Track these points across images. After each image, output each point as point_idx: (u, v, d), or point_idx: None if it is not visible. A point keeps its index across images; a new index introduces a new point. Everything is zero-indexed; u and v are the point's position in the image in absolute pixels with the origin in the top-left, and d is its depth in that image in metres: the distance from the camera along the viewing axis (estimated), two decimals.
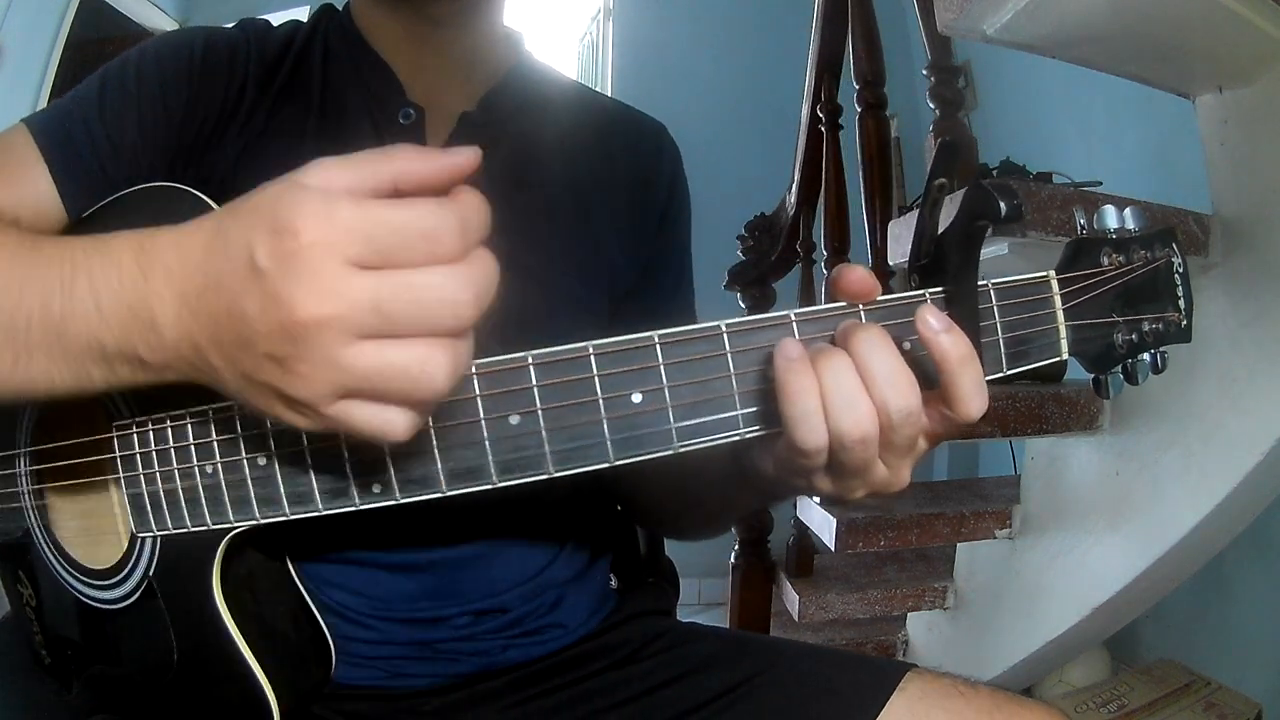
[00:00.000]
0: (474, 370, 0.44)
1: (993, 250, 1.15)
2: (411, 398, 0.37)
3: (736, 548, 1.81)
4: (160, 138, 0.62)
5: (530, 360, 0.44)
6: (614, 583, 0.79)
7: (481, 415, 0.44)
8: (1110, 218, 0.49)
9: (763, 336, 0.45)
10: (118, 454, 0.53)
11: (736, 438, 0.45)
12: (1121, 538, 1.35)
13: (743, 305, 1.98)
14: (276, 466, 0.48)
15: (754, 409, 0.45)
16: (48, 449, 0.58)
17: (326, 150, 0.65)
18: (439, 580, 0.65)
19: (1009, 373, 0.47)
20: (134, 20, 2.97)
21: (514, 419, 0.44)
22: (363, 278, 0.35)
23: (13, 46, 2.42)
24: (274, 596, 0.58)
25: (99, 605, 0.58)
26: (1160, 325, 0.49)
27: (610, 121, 0.77)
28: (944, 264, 0.46)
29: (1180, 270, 0.50)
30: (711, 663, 0.67)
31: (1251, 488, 1.19)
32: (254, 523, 0.50)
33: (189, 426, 0.50)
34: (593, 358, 0.44)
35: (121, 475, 0.53)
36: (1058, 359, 0.48)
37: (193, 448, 0.50)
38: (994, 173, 1.59)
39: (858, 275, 0.45)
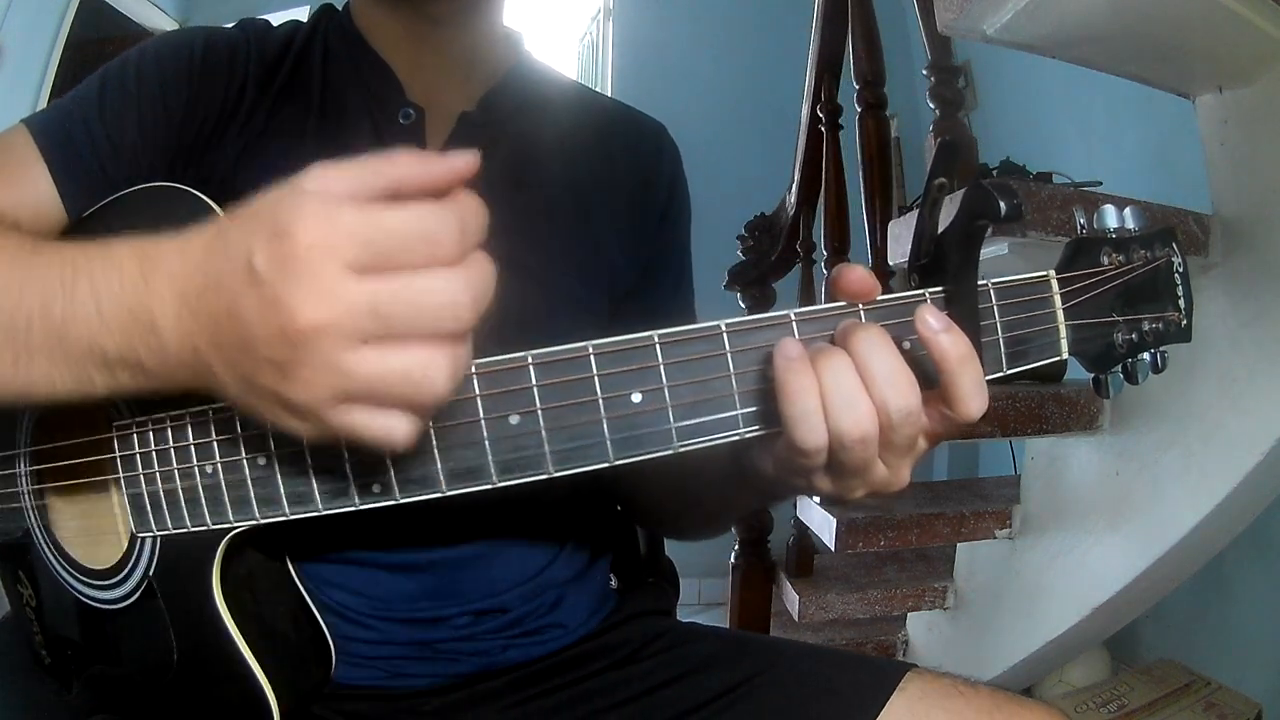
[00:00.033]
0: (474, 370, 0.44)
1: (993, 250, 1.15)
2: (412, 402, 0.37)
3: (736, 548, 1.81)
4: (160, 138, 0.62)
5: (530, 360, 0.44)
6: (614, 583, 0.79)
7: (481, 415, 0.44)
8: (1110, 217, 0.49)
9: (762, 336, 0.45)
10: (117, 454, 0.53)
11: (736, 437, 0.45)
12: (1121, 538, 1.35)
13: (743, 305, 1.98)
14: (276, 466, 0.48)
15: (754, 409, 0.45)
16: (48, 449, 0.58)
17: (326, 150, 0.65)
18: (439, 580, 0.65)
19: (1009, 372, 0.47)
20: (134, 20, 2.97)
21: (514, 419, 0.44)
22: (362, 282, 0.35)
23: (13, 46, 2.42)
24: (274, 596, 0.58)
25: (99, 605, 0.58)
26: (1160, 325, 0.49)
27: (610, 122, 0.77)
28: (944, 264, 0.46)
29: (1180, 270, 0.50)
30: (711, 663, 0.67)
31: (1251, 488, 1.19)
32: (254, 523, 0.50)
33: (189, 426, 0.50)
34: (592, 357, 0.44)
35: (121, 475, 0.53)
36: (1058, 359, 0.48)
37: (193, 448, 0.50)
38: (994, 173, 1.59)
39: (857, 275, 0.45)
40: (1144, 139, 1.95)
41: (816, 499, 1.18)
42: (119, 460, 0.53)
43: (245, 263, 0.36)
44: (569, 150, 0.72)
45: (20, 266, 0.44)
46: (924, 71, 1.56)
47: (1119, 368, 0.49)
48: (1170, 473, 1.28)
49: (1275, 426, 1.14)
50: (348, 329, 0.35)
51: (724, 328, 0.44)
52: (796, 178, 1.90)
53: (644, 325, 0.45)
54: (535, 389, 0.44)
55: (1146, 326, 0.49)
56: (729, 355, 0.44)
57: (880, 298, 0.45)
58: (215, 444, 0.49)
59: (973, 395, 0.43)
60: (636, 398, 0.44)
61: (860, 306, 0.45)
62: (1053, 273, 0.48)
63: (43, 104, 2.54)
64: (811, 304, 0.46)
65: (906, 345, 0.44)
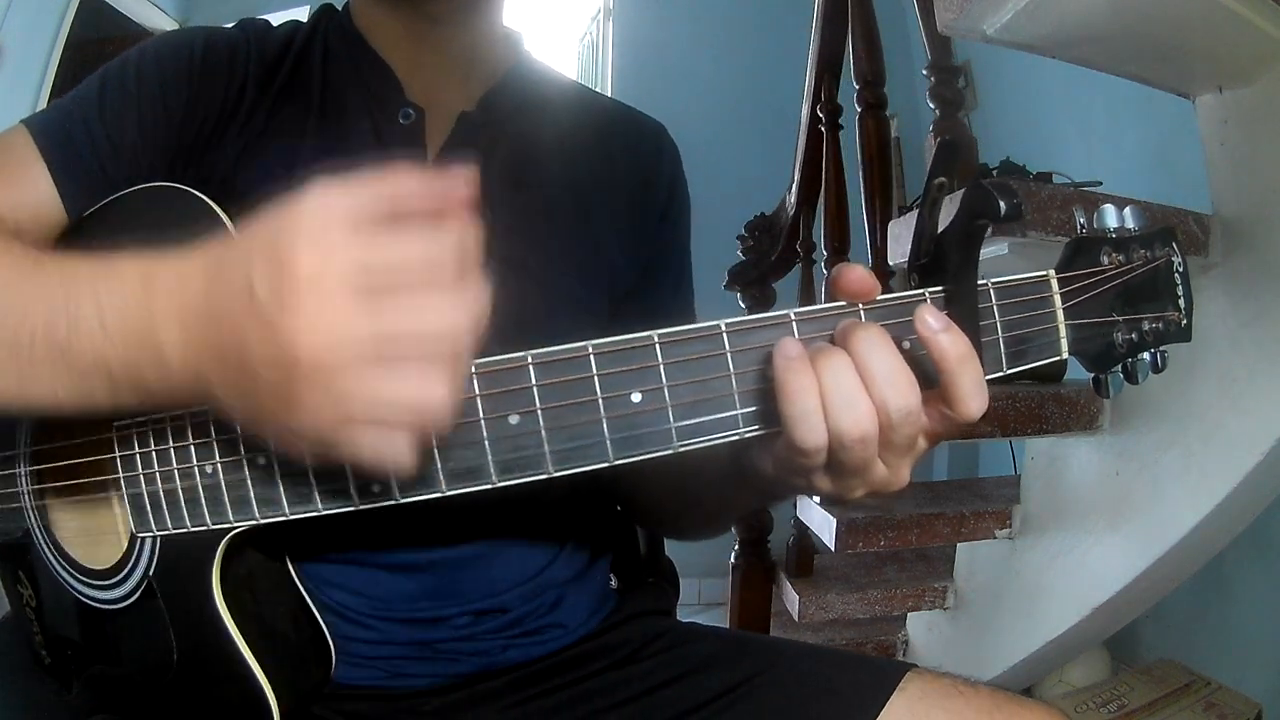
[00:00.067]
0: (473, 370, 0.44)
1: (993, 250, 1.15)
2: (413, 424, 0.38)
3: (736, 548, 1.81)
4: (160, 138, 0.62)
5: (530, 360, 0.44)
6: (614, 583, 0.79)
7: (481, 415, 0.44)
8: (1110, 217, 0.49)
9: (762, 336, 0.45)
10: (117, 454, 0.53)
11: (736, 437, 0.45)
12: (1121, 538, 1.35)
13: (743, 305, 1.98)
14: (276, 466, 0.48)
15: (753, 408, 0.45)
16: (48, 449, 0.58)
17: (327, 150, 0.66)
18: (439, 580, 0.65)
19: (1009, 372, 0.47)
20: (134, 20, 2.97)
21: (513, 419, 0.44)
22: (361, 311, 0.36)
23: (13, 46, 2.42)
24: (274, 596, 0.58)
25: (99, 605, 0.58)
26: (1160, 324, 0.49)
27: (610, 122, 0.77)
28: (944, 263, 0.46)
29: (1180, 269, 0.50)
30: (711, 663, 0.67)
31: (1251, 488, 1.19)
32: (254, 523, 0.50)
33: (189, 427, 0.50)
34: (592, 357, 0.44)
35: (121, 475, 0.53)
36: (1057, 358, 0.48)
37: (192, 448, 0.50)
38: (994, 173, 1.59)
39: (857, 275, 0.45)
40: (1144, 139, 1.95)
41: (816, 499, 1.18)
42: (119, 460, 0.53)
43: (246, 290, 0.37)
44: (569, 150, 0.72)
45: (23, 281, 0.45)
46: (924, 71, 1.56)
47: (1119, 367, 0.49)
48: (1170, 473, 1.28)
49: (1275, 426, 1.14)
50: (348, 357, 0.36)
51: (724, 327, 0.44)
52: (796, 178, 1.90)
53: (644, 325, 0.45)
54: (535, 389, 0.44)
55: (1146, 326, 0.49)
56: (729, 355, 0.44)
57: (880, 297, 0.45)
58: (215, 444, 0.49)
59: (973, 395, 0.43)
60: (636, 397, 0.44)
61: (860, 306, 0.45)
62: (1053, 272, 0.48)
63: (43, 104, 2.54)
64: (811, 304, 0.46)
65: (906, 345, 0.44)
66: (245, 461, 0.49)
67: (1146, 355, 0.49)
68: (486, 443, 0.45)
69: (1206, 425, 1.23)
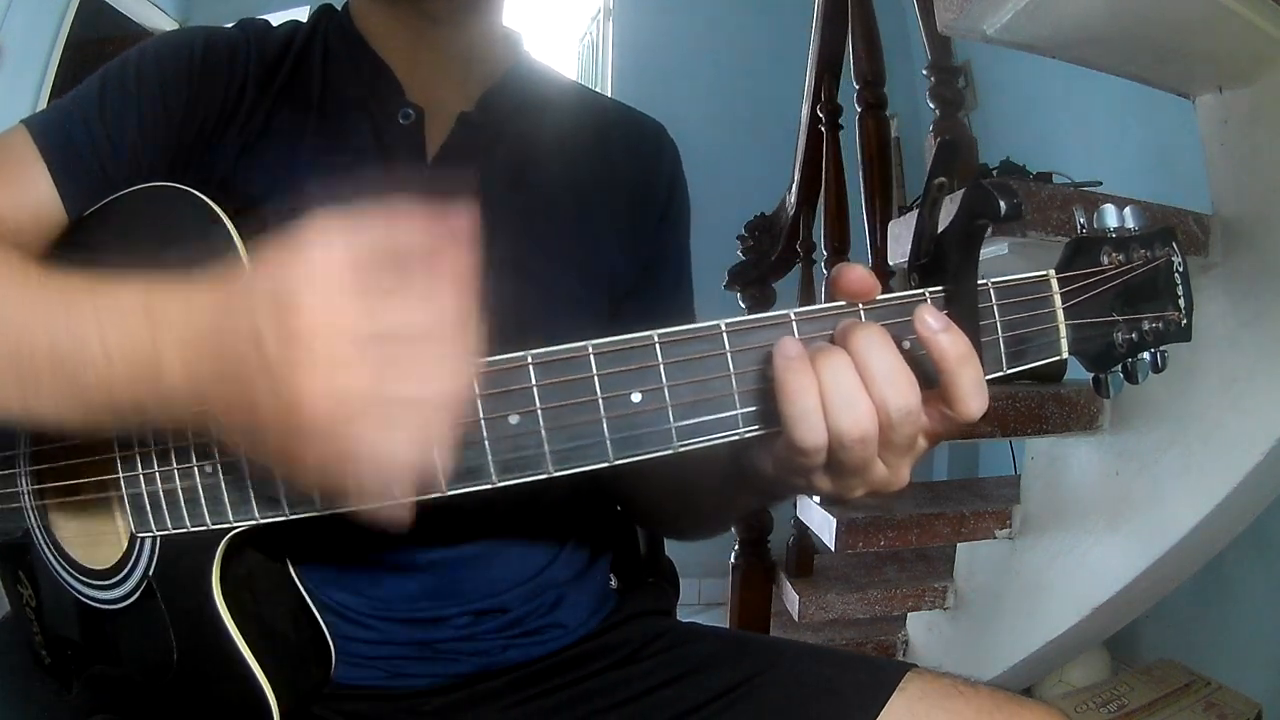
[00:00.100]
0: (473, 370, 0.44)
1: (993, 250, 1.15)
2: (411, 472, 0.40)
3: (736, 548, 1.81)
4: (160, 137, 0.62)
5: (529, 360, 0.44)
6: (614, 583, 0.79)
7: (481, 415, 0.44)
8: (1110, 217, 0.49)
9: (762, 336, 0.45)
10: (117, 454, 0.53)
11: (736, 437, 0.45)
12: (1121, 538, 1.35)
13: (743, 305, 1.98)
14: None
15: (753, 408, 0.45)
16: (48, 449, 0.58)
17: (326, 150, 0.66)
18: (439, 580, 0.65)
19: (1009, 372, 0.47)
20: (134, 20, 2.97)
21: (513, 418, 0.44)
22: (366, 368, 0.38)
23: (13, 46, 2.42)
24: (274, 596, 0.58)
25: (98, 605, 0.58)
26: (1160, 324, 0.49)
27: (610, 122, 0.77)
28: (944, 263, 0.46)
29: (1180, 269, 0.50)
30: (711, 663, 0.67)
31: (1251, 488, 1.19)
32: (253, 523, 0.50)
33: (189, 427, 0.50)
34: (592, 357, 0.44)
35: (121, 475, 0.53)
36: (1057, 358, 0.48)
37: (192, 448, 0.50)
38: (994, 173, 1.59)
39: (857, 274, 0.45)
40: (1144, 139, 1.95)
41: (816, 499, 1.18)
42: (119, 460, 0.53)
43: (253, 340, 0.38)
44: (568, 150, 0.72)
45: (26, 302, 0.45)
46: (924, 71, 1.56)
47: (1119, 367, 0.49)
48: (1170, 473, 1.28)
49: (1275, 426, 1.14)
50: (351, 411, 0.38)
51: (724, 327, 0.44)
52: (796, 178, 1.90)
53: (643, 325, 0.45)
54: (535, 389, 0.44)
55: (1146, 326, 0.49)
56: (729, 355, 0.44)
57: (880, 297, 0.45)
58: (215, 444, 0.49)
59: (972, 395, 0.43)
60: (636, 397, 0.44)
61: (860, 306, 0.45)
62: (1053, 272, 0.48)
63: (43, 104, 2.54)
64: (811, 304, 0.46)
65: (906, 345, 0.44)
66: (245, 461, 0.49)
67: (1146, 355, 0.49)
68: (486, 443, 0.45)
69: (1206, 425, 1.23)
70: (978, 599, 1.62)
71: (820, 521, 1.51)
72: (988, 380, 0.45)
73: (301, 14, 0.73)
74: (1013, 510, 1.53)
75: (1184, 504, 1.25)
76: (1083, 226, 0.49)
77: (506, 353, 0.44)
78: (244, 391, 0.39)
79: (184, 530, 0.51)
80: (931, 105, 1.54)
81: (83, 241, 0.60)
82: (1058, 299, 0.47)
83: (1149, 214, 0.50)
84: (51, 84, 2.59)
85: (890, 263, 1.44)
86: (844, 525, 1.44)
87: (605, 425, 0.44)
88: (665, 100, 1.31)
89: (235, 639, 0.52)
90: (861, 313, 0.45)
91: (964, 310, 0.45)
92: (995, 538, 1.53)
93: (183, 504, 0.51)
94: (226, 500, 0.50)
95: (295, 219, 0.63)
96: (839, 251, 1.66)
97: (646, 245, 0.75)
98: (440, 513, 0.48)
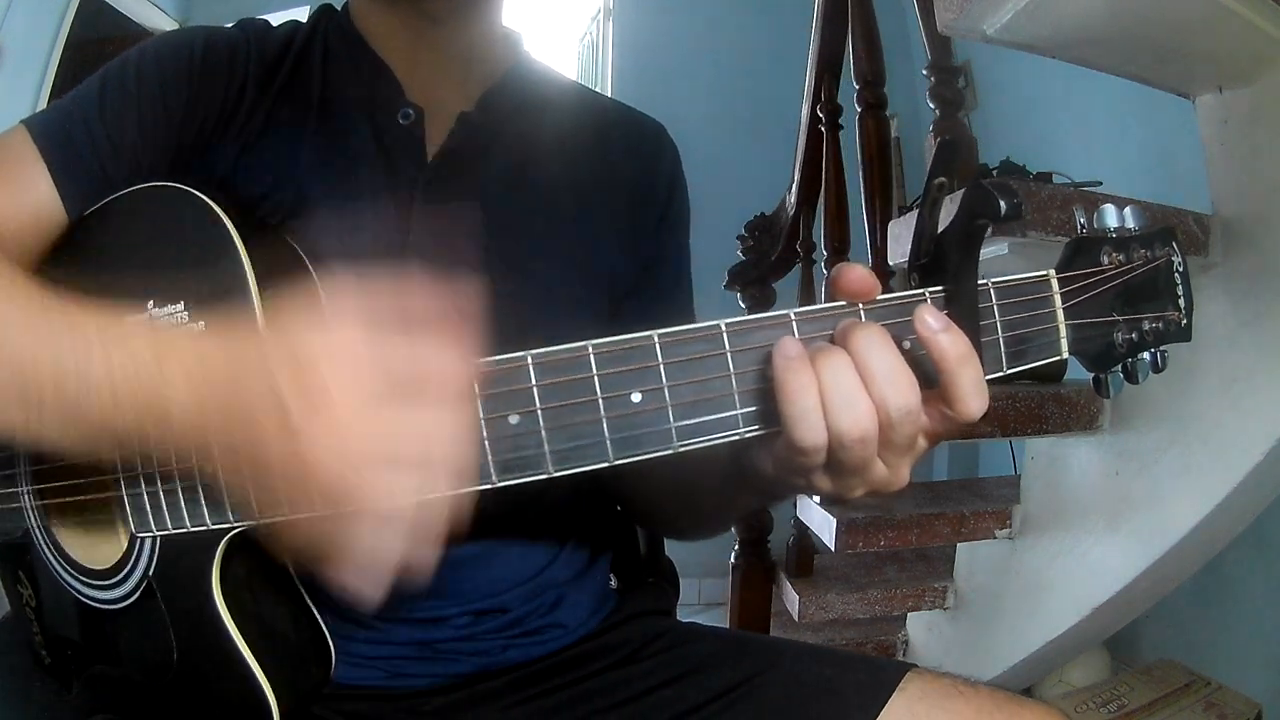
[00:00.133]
0: (473, 370, 0.44)
1: (993, 250, 1.15)
2: (410, 523, 0.42)
3: (736, 548, 1.81)
4: (160, 138, 0.62)
5: (529, 360, 0.44)
6: (614, 583, 0.79)
7: (481, 415, 0.44)
8: (1110, 217, 0.49)
9: (762, 336, 0.45)
10: (118, 454, 0.53)
11: (736, 437, 0.45)
12: (1121, 538, 1.35)
13: (743, 305, 1.98)
14: None
15: (753, 408, 0.45)
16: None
17: (326, 150, 0.66)
18: (439, 580, 0.65)
19: (1009, 372, 0.47)
20: (134, 20, 2.97)
21: (513, 419, 0.44)
22: (376, 419, 0.40)
23: (13, 46, 2.42)
24: (274, 596, 0.58)
25: (98, 605, 0.58)
26: (1160, 324, 0.49)
27: (609, 122, 0.77)
28: (944, 263, 0.46)
29: (1180, 269, 0.50)
30: (711, 663, 0.67)
31: (1251, 488, 1.19)
32: (253, 523, 0.50)
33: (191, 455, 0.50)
34: (592, 357, 0.44)
35: (121, 475, 0.53)
36: (1058, 358, 0.48)
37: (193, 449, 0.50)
38: (994, 173, 1.59)
39: (857, 274, 0.45)
40: (1144, 139, 1.95)
41: (816, 499, 1.18)
42: (119, 460, 0.53)
43: (268, 392, 0.40)
44: (568, 150, 0.72)
45: (31, 330, 0.46)
46: (924, 71, 1.56)
47: (1119, 367, 0.49)
48: (1170, 473, 1.28)
49: (1275, 426, 1.14)
50: (361, 465, 0.40)
51: (724, 327, 0.44)
52: (796, 178, 1.90)
53: (643, 324, 0.45)
54: (535, 389, 0.44)
55: (1146, 326, 0.49)
56: (729, 355, 0.44)
57: (880, 297, 0.45)
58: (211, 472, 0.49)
59: (972, 395, 0.43)
60: (636, 397, 0.44)
61: (860, 306, 0.45)
62: (1053, 272, 0.48)
63: (43, 104, 2.54)
64: (811, 304, 0.46)
65: (906, 345, 0.44)
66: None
67: (1146, 355, 0.49)
68: (486, 443, 0.44)
69: (1206, 425, 1.23)
70: (978, 599, 1.62)
71: (820, 521, 1.51)
72: (988, 380, 0.45)
73: (301, 14, 0.73)
74: (1013, 510, 1.53)
75: (1184, 504, 1.25)
76: (1083, 226, 0.49)
77: (506, 353, 0.44)
78: (254, 440, 0.41)
79: (184, 530, 0.51)
80: (931, 105, 1.54)
81: (83, 242, 0.60)
82: (1058, 299, 0.47)
83: (1149, 214, 0.50)
84: (51, 84, 2.59)
85: (890, 263, 1.44)
86: (844, 525, 1.44)
87: (605, 425, 0.44)
88: (665, 100, 1.31)
89: (235, 639, 0.52)
90: (861, 313, 0.45)
91: (964, 310, 0.45)
92: (995, 538, 1.53)
93: (183, 504, 0.51)
94: (226, 500, 0.50)
95: (295, 219, 0.63)
96: (839, 251, 1.66)
97: (646, 245, 0.75)
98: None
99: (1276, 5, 1.08)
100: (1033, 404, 1.36)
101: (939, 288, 0.46)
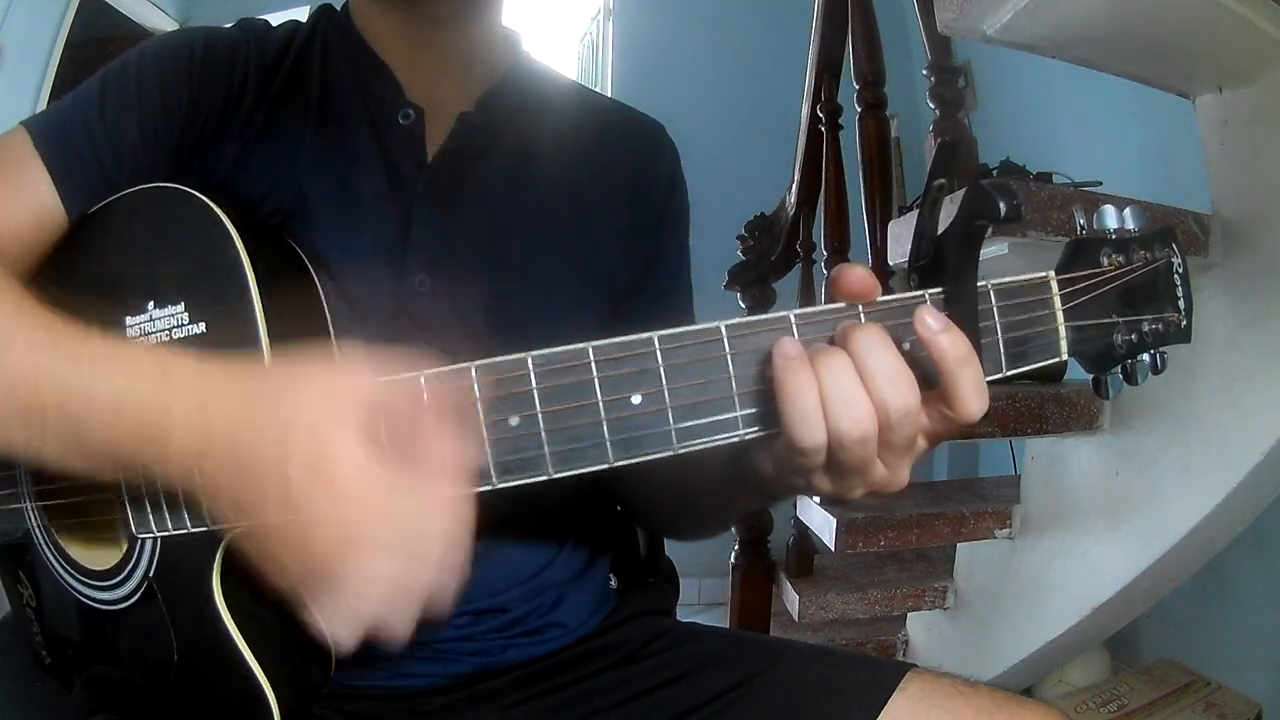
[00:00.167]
0: (474, 372, 0.44)
1: (993, 250, 1.15)
2: (395, 597, 0.43)
3: (736, 548, 1.81)
4: (160, 138, 0.62)
5: (530, 362, 0.44)
6: (614, 583, 0.79)
7: (481, 417, 0.44)
8: (1110, 218, 0.49)
9: (762, 338, 0.45)
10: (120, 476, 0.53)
11: (736, 439, 0.45)
12: (1121, 538, 1.35)
13: (743, 305, 1.98)
14: None
15: (753, 410, 0.45)
16: None
17: (326, 150, 0.66)
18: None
19: (1008, 373, 0.47)
20: (134, 20, 2.97)
21: (513, 420, 0.44)
22: (375, 511, 0.42)
23: (13, 46, 2.42)
24: (273, 597, 0.58)
25: (99, 606, 0.58)
26: (1160, 326, 0.49)
27: (609, 121, 0.77)
28: (943, 264, 0.46)
29: (1180, 270, 0.50)
30: (711, 663, 0.67)
31: (1251, 488, 1.19)
32: (253, 523, 0.50)
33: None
34: (592, 359, 0.44)
35: (122, 475, 0.53)
36: (1057, 359, 0.48)
37: None
38: (994, 173, 1.59)
39: (857, 275, 0.45)
40: (1144, 139, 1.95)
41: (816, 499, 1.17)
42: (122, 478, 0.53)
43: (278, 455, 0.41)
44: (568, 150, 0.72)
45: (36, 353, 0.46)
46: (924, 71, 1.56)
47: (1119, 369, 0.49)
48: (1170, 473, 1.28)
49: (1275, 427, 1.14)
50: (353, 540, 0.42)
51: (724, 329, 0.44)
52: (796, 178, 1.90)
53: (643, 324, 0.45)
54: (535, 391, 0.44)
55: (1146, 327, 0.49)
56: (729, 357, 0.44)
57: (880, 298, 0.45)
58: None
59: (972, 396, 0.43)
60: (636, 399, 0.44)
61: (860, 307, 0.45)
62: (1052, 274, 0.48)
63: (43, 104, 2.54)
64: (811, 304, 0.46)
65: (906, 346, 0.44)
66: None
67: (1146, 356, 0.49)
68: (487, 444, 0.45)
69: (1206, 425, 1.23)
70: (978, 599, 1.62)
71: (820, 521, 1.51)
72: (987, 381, 0.45)
73: (301, 14, 0.73)
74: (1013, 510, 1.53)
75: (1184, 504, 1.25)
76: (1082, 228, 0.49)
77: (507, 352, 0.44)
78: (252, 496, 0.43)
79: (184, 531, 0.51)
80: (931, 105, 1.54)
81: (83, 242, 0.60)
82: (1057, 300, 0.47)
83: (1149, 214, 0.50)
84: (51, 84, 2.58)
85: (890, 263, 1.44)
86: (844, 525, 1.44)
87: (605, 427, 0.44)
88: (665, 100, 1.31)
89: (235, 639, 0.52)
90: (861, 314, 0.45)
91: (964, 311, 0.45)
92: (995, 538, 1.53)
93: (183, 505, 0.51)
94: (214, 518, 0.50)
95: (295, 219, 0.63)
96: (839, 251, 1.66)
97: (646, 245, 0.75)
98: None
99: (1276, 5, 1.08)
100: (1033, 404, 1.36)
101: (939, 289, 0.46)
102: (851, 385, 0.42)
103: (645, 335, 0.44)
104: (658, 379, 0.44)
